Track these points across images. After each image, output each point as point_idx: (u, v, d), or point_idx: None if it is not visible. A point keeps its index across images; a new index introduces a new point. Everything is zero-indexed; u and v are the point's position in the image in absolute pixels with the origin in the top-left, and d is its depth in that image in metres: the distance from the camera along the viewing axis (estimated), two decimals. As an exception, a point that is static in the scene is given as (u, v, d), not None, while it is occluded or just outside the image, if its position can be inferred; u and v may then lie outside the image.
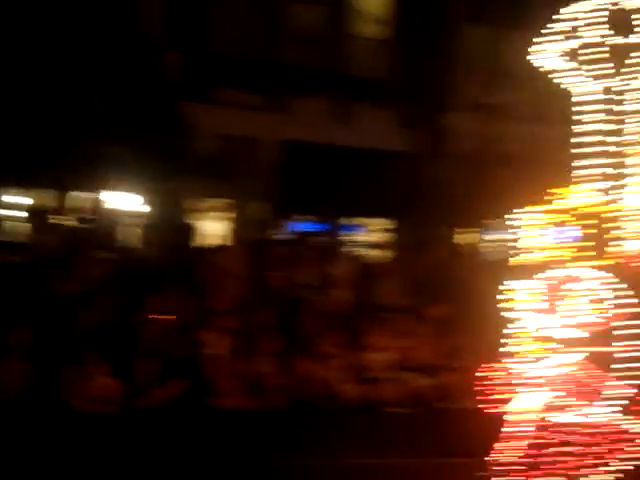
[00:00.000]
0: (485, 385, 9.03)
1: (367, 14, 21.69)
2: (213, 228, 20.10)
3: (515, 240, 8.87)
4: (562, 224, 8.38)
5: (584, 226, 8.23)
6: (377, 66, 21.14)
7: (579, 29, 8.56)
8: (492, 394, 9.01)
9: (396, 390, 12.99)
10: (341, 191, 19.19)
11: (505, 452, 8.48)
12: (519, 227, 8.82)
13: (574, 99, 8.91)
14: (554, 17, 8.78)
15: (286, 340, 13.01)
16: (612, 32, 8.46)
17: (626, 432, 7.89)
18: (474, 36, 21.83)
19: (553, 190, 8.83)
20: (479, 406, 9.05)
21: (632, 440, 7.88)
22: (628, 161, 8.79)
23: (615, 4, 8.49)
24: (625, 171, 8.76)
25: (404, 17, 21.27)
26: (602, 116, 8.75)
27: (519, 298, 8.64)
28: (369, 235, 22.23)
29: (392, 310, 14.26)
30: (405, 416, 12.59)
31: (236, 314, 13.05)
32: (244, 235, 18.09)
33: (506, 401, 8.84)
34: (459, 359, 12.75)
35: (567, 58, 8.73)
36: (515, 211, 8.85)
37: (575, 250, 8.26)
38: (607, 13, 8.50)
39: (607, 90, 8.71)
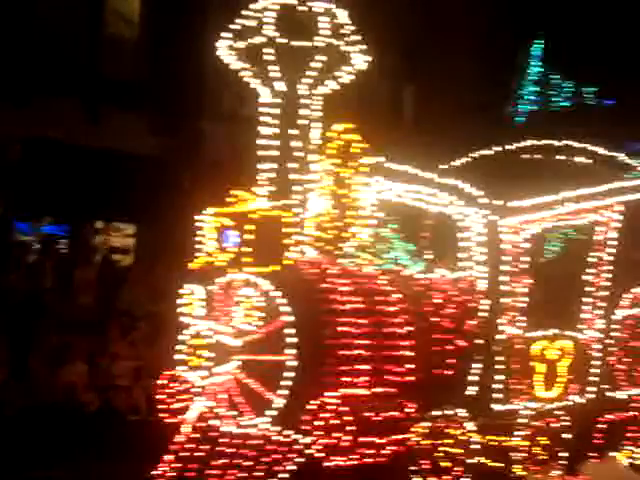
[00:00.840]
0: (165, 394, 8.61)
1: (123, 16, 21.11)
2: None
3: (197, 243, 8.49)
4: (232, 228, 7.99)
5: (250, 231, 7.86)
6: (131, 69, 20.58)
7: (264, 27, 8.23)
8: (171, 403, 8.61)
9: (137, 398, 12.69)
10: (86, 193, 18.35)
11: (172, 464, 8.03)
12: (200, 230, 8.43)
13: (261, 100, 8.61)
14: (242, 13, 8.45)
15: (20, 343, 12.32)
16: (296, 33, 8.17)
17: (276, 443, 7.61)
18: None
19: (235, 193, 8.50)
20: (160, 416, 8.68)
21: (280, 451, 7.60)
22: (310, 167, 8.58)
23: (301, 4, 8.24)
24: (305, 177, 8.54)
25: (161, 22, 20.75)
26: (287, 119, 8.48)
27: (191, 303, 8.22)
28: (114, 239, 21.62)
29: (135, 317, 13.78)
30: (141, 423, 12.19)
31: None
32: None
33: (182, 411, 8.44)
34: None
35: (251, 57, 8.39)
36: (198, 214, 8.45)
37: (240, 256, 7.89)
38: (292, 13, 8.24)
39: (293, 93, 8.44)
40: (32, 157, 18.22)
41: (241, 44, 8.30)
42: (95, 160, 18.50)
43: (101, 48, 20.15)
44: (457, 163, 10.82)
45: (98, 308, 14.30)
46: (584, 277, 9.74)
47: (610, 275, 9.76)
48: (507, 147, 10.79)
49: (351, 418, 7.47)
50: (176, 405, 8.48)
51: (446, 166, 10.48)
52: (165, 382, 8.56)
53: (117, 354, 13.19)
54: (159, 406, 8.59)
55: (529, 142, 10.68)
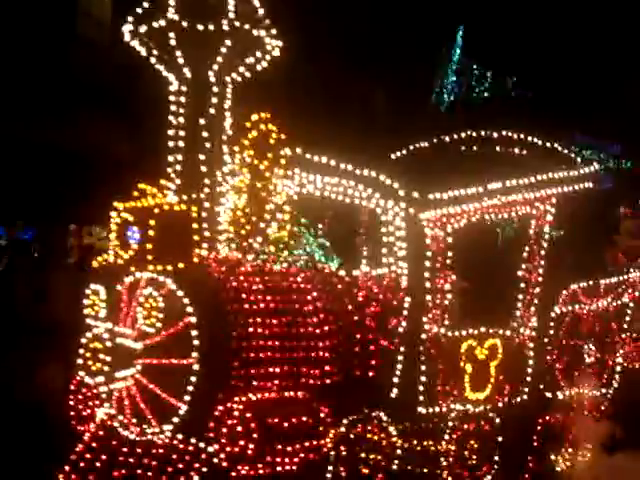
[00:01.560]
0: (75, 400, 8.17)
1: (95, 18, 20.73)
2: None
3: (103, 240, 8.05)
4: (133, 224, 7.52)
5: (152, 227, 7.38)
6: (101, 71, 20.28)
7: (167, 10, 7.75)
8: (81, 410, 8.17)
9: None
10: (59, 196, 17.90)
11: (70, 475, 7.57)
12: (108, 226, 7.98)
13: (170, 88, 8.14)
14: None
15: None
16: (202, 16, 7.70)
17: (180, 452, 7.16)
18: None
19: (140, 187, 8.02)
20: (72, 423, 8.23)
21: (185, 461, 7.15)
22: (223, 159, 8.14)
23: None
24: (217, 170, 8.09)
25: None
26: (196, 108, 8.01)
27: (95, 304, 7.76)
28: (88, 242, 21.26)
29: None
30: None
31: None
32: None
33: (92, 418, 7.99)
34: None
35: (156, 41, 7.92)
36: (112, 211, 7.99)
37: (141, 253, 7.41)
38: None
39: (201, 80, 7.97)
40: (3, 159, 17.82)
41: (144, 28, 7.82)
42: (68, 162, 18.13)
43: (73, 50, 19.78)
44: (394, 156, 10.41)
45: (72, 312, 13.90)
46: (517, 273, 9.32)
47: (545, 271, 9.34)
48: (444, 139, 10.36)
49: (258, 424, 7.02)
50: (86, 412, 8.12)
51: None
52: (74, 388, 8.19)
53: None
54: (69, 413, 8.21)
55: (466, 133, 10.24)
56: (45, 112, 18.29)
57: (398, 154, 10.43)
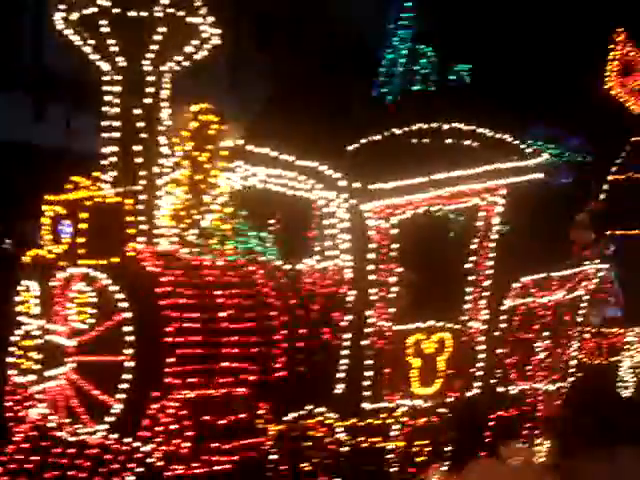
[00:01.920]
0: (12, 400, 7.91)
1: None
2: None
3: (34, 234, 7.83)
4: (65, 217, 7.29)
5: (84, 220, 7.16)
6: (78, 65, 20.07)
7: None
8: (18, 410, 7.91)
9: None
10: (32, 192, 17.56)
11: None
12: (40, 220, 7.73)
13: (104, 78, 7.89)
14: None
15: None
16: (132, 3, 7.48)
17: (114, 451, 6.93)
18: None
19: (73, 179, 7.79)
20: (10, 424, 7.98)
21: (119, 460, 6.92)
22: (161, 151, 7.91)
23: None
24: (155, 162, 7.86)
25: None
26: (131, 98, 7.78)
27: (27, 300, 7.50)
28: None
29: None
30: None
31: None
32: None
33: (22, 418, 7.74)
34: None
35: (88, 29, 7.68)
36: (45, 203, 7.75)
37: (73, 247, 7.18)
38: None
39: (135, 69, 7.74)
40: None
41: (75, 15, 7.57)
42: (41, 157, 17.82)
43: (48, 45, 19.55)
44: (349, 149, 10.21)
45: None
46: (466, 265, 9.16)
47: (494, 263, 9.18)
48: (395, 132, 10.17)
49: (193, 422, 6.81)
50: (22, 413, 7.87)
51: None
52: (10, 388, 7.93)
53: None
54: (6, 414, 7.96)
55: (417, 126, 10.06)
56: (19, 107, 18.03)
57: (352, 147, 10.26)
